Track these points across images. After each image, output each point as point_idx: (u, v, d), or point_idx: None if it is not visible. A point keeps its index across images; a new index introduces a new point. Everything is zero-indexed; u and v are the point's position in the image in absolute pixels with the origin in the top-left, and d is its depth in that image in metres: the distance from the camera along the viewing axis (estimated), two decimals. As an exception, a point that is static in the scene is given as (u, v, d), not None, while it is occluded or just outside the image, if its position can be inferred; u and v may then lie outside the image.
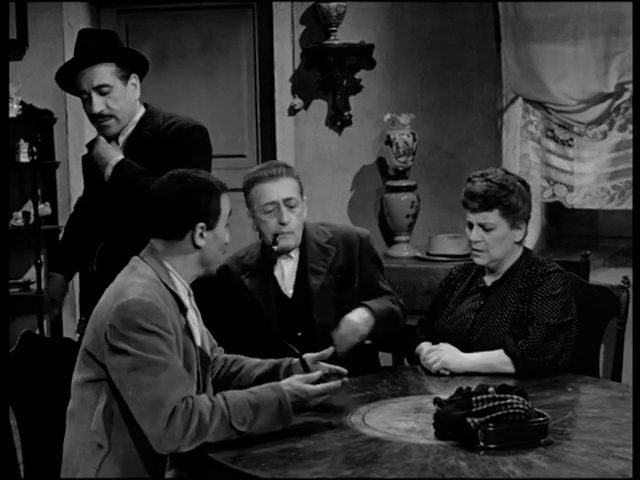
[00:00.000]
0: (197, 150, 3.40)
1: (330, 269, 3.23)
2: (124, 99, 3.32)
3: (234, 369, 2.84)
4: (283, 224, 3.14)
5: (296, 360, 2.79)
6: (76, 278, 4.06)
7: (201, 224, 2.58)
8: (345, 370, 2.71)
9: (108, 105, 3.30)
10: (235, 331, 3.23)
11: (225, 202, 2.64)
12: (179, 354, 2.49)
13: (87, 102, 3.31)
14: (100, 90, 3.28)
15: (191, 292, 2.68)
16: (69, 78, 3.35)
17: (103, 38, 3.35)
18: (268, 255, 3.24)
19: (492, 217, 3.14)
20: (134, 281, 2.52)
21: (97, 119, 3.32)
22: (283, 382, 2.54)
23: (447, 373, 3.06)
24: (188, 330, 2.58)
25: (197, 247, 2.59)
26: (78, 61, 3.29)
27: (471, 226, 3.19)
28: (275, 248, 3.16)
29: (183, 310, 2.57)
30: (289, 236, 3.17)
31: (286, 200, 3.15)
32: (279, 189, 3.14)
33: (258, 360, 2.86)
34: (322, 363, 2.76)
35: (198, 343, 2.66)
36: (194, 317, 2.67)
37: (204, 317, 2.76)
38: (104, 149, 3.33)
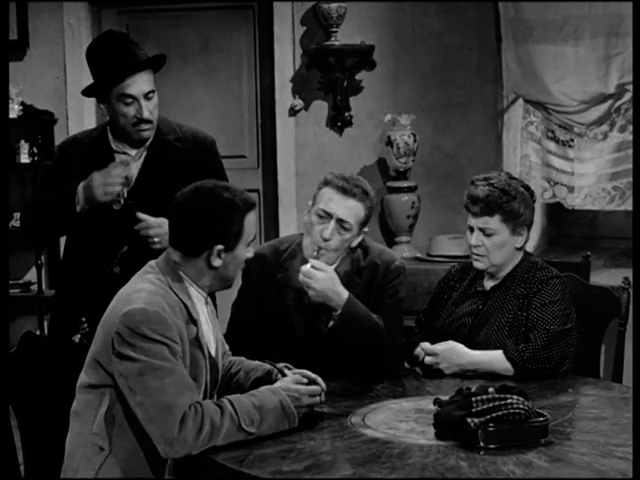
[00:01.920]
0: (221, 162, 3.53)
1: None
2: (157, 106, 3.36)
3: (234, 370, 2.84)
4: (325, 239, 3.06)
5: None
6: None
7: (219, 247, 2.54)
8: (324, 386, 2.63)
9: (151, 111, 3.32)
10: (255, 323, 3.20)
11: (250, 222, 2.59)
12: (185, 363, 2.48)
13: (130, 106, 3.29)
14: (147, 96, 3.30)
15: (209, 300, 2.68)
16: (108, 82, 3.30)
17: (136, 44, 3.36)
18: (306, 260, 3.12)
19: (493, 222, 3.13)
20: (142, 287, 2.51)
21: (141, 124, 3.32)
22: (277, 386, 2.56)
23: None
24: (198, 340, 2.57)
25: (212, 267, 2.57)
26: (137, 66, 3.28)
27: (472, 230, 3.18)
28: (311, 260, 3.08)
29: (192, 320, 2.56)
30: (326, 253, 3.07)
31: (340, 220, 3.06)
32: (341, 206, 3.05)
33: (255, 363, 2.85)
34: (305, 371, 2.69)
35: (212, 353, 2.66)
36: (207, 326, 2.65)
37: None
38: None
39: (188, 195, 2.59)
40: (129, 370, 2.40)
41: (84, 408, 2.52)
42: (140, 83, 3.28)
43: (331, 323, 3.05)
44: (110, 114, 3.36)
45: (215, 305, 3.43)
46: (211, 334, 2.68)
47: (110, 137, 3.41)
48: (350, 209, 3.06)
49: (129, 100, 3.28)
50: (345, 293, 3.03)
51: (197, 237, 2.54)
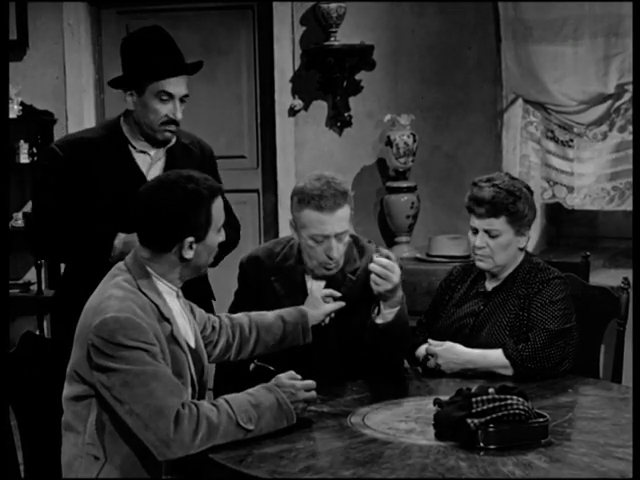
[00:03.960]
0: (218, 171, 3.57)
1: (346, 296, 3.09)
2: None
3: (243, 332, 2.91)
4: (330, 258, 3.02)
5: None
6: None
7: (190, 239, 2.51)
8: (314, 384, 2.61)
9: (181, 114, 3.33)
10: None
11: (217, 208, 2.56)
12: (166, 362, 2.47)
13: (165, 104, 3.28)
14: (183, 99, 3.32)
15: (180, 293, 2.66)
16: (148, 75, 3.27)
17: None
18: (303, 265, 3.13)
19: (498, 224, 3.12)
20: (111, 294, 2.47)
21: (170, 124, 3.31)
22: (272, 383, 2.55)
23: None
24: (174, 336, 2.54)
25: (184, 260, 2.54)
26: (187, 68, 3.32)
27: (475, 231, 3.17)
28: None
29: (165, 318, 2.53)
30: (336, 266, 3.06)
31: (338, 234, 3.01)
32: (334, 223, 2.98)
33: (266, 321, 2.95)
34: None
35: (192, 344, 2.65)
36: (182, 319, 2.64)
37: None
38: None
39: (152, 190, 2.55)
40: (112, 381, 2.39)
41: (74, 420, 2.51)
42: (182, 84, 3.30)
43: (380, 319, 3.00)
44: (138, 108, 3.31)
45: (209, 307, 3.46)
46: (188, 326, 2.67)
47: (127, 135, 3.37)
48: (342, 219, 3.01)
49: (165, 98, 3.28)
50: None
51: (166, 232, 2.51)
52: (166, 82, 3.26)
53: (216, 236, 2.59)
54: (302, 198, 3.00)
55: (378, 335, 3.01)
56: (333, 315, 3.05)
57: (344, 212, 3.01)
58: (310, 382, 2.58)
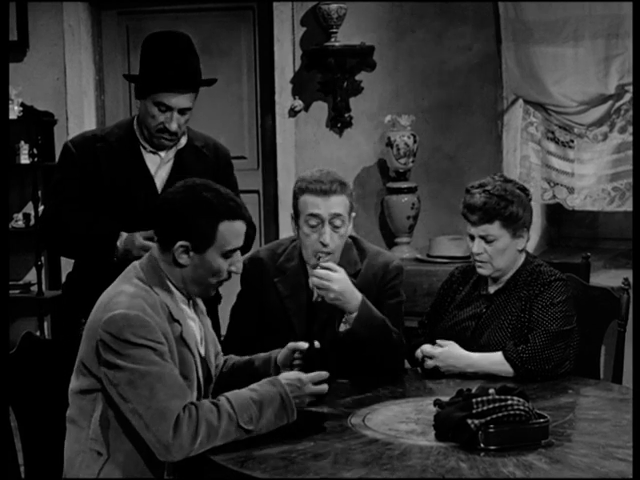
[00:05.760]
0: (234, 173, 3.63)
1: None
2: (188, 121, 3.39)
3: (225, 370, 2.82)
4: (324, 244, 3.04)
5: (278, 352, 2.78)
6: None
7: (183, 242, 2.49)
8: (326, 374, 2.58)
9: (180, 125, 3.33)
10: (254, 330, 3.19)
11: (228, 231, 2.51)
12: (174, 362, 2.46)
13: (162, 114, 3.29)
14: (183, 111, 3.32)
15: (191, 302, 2.64)
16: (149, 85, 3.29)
17: (196, 58, 3.37)
18: (305, 263, 3.14)
19: (493, 229, 3.12)
20: (122, 290, 2.48)
21: (164, 133, 3.33)
22: (279, 375, 2.54)
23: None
24: (183, 338, 2.53)
25: (178, 264, 2.52)
26: (186, 86, 3.31)
27: (472, 238, 3.17)
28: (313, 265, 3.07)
29: (174, 319, 2.52)
30: (327, 257, 3.05)
31: (332, 219, 3.03)
32: (328, 206, 3.02)
33: (247, 358, 2.84)
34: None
35: (202, 352, 2.64)
36: (194, 324, 2.63)
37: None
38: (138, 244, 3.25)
39: (177, 187, 2.57)
40: (118, 378, 2.39)
41: (79, 414, 2.51)
42: (181, 99, 3.30)
43: (343, 326, 3.02)
44: (141, 110, 3.36)
45: (215, 310, 3.46)
46: (197, 331, 2.65)
47: (138, 135, 3.41)
48: (338, 205, 3.04)
49: (163, 108, 3.29)
50: (359, 294, 3.01)
51: (165, 228, 2.53)
52: (165, 95, 3.27)
53: (220, 259, 2.53)
54: (301, 185, 3.08)
55: (347, 342, 3.01)
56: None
57: (340, 199, 3.04)
58: (317, 374, 2.53)
